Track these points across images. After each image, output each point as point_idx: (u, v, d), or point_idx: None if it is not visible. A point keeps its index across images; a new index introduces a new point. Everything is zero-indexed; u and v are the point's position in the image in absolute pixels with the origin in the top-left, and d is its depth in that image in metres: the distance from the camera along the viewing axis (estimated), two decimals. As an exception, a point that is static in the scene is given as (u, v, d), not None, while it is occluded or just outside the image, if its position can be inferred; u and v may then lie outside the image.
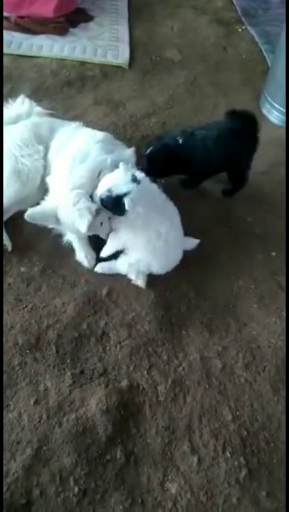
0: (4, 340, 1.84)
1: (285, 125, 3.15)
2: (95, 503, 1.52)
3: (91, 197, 1.86)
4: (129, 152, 2.10)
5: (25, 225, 2.18)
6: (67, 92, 3.09)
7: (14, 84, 2.99)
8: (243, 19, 4.08)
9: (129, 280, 2.10)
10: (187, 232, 2.11)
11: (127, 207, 1.74)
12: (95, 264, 2.11)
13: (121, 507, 1.53)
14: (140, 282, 2.08)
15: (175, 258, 2.07)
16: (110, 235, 2.00)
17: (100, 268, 2.10)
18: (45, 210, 1.94)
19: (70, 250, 2.14)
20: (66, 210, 1.85)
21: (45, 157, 2.16)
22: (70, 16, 3.60)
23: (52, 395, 1.73)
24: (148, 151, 2.22)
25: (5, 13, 3.39)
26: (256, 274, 2.27)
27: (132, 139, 2.78)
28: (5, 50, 3.22)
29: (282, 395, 1.86)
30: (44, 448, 1.60)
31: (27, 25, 3.44)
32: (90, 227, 1.82)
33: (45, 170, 2.15)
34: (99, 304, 2.02)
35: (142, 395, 1.79)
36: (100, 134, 2.17)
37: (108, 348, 1.90)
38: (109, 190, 1.77)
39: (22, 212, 2.17)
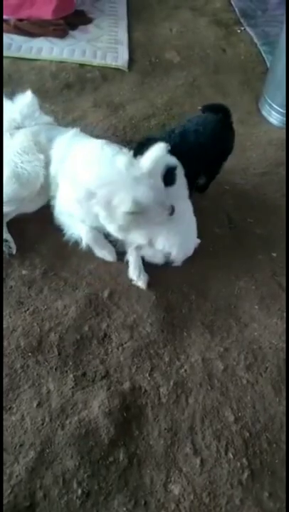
0: (6, 343, 1.85)
1: (284, 126, 3.16)
2: (98, 505, 1.52)
3: None
4: None
5: (26, 228, 2.20)
6: (66, 95, 3.10)
7: (14, 87, 2.98)
8: (241, 20, 4.10)
9: (131, 282, 2.10)
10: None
11: (177, 177, 2.02)
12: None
13: (124, 509, 1.53)
14: (141, 283, 2.09)
15: (193, 241, 2.15)
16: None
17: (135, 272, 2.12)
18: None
19: (72, 253, 2.15)
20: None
21: (46, 166, 2.16)
22: (69, 18, 3.61)
23: (54, 398, 1.73)
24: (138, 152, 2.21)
25: (4, 16, 3.40)
26: (257, 274, 2.28)
27: (132, 141, 2.78)
28: (4, 53, 3.23)
29: (284, 395, 1.87)
30: (47, 450, 1.61)
31: (26, 27, 3.45)
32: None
33: (46, 179, 2.17)
34: (100, 306, 2.03)
35: (144, 397, 1.79)
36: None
37: (110, 350, 1.91)
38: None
39: (23, 215, 2.20)
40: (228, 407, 1.81)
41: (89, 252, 2.16)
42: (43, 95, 3.02)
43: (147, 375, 1.85)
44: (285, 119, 3.14)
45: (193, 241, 2.19)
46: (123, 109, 3.07)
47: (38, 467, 1.57)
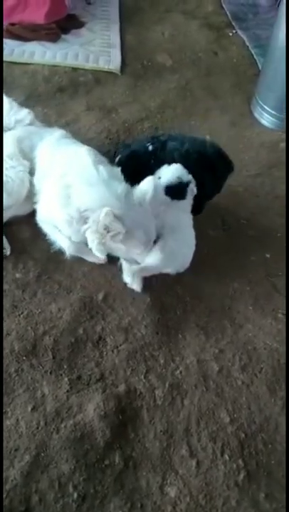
0: (0, 347, 1.84)
1: (276, 127, 3.18)
2: (94, 509, 1.52)
3: None
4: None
5: (19, 231, 2.20)
6: (59, 98, 3.10)
7: (7, 91, 2.97)
8: (233, 23, 4.12)
9: (125, 284, 2.10)
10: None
11: (188, 193, 2.08)
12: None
13: (120, 512, 1.53)
14: (136, 286, 2.08)
15: (191, 254, 2.12)
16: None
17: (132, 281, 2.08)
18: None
19: (66, 256, 2.15)
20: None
21: (30, 171, 2.13)
22: (61, 22, 3.62)
23: (49, 402, 1.73)
24: (116, 159, 2.21)
25: (-4, 21, 3.40)
26: (251, 275, 2.29)
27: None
28: (-3, 57, 3.23)
29: (279, 396, 1.87)
30: (42, 454, 1.60)
31: (18, 32, 3.45)
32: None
33: (33, 185, 2.14)
34: (95, 309, 2.03)
35: (139, 399, 1.79)
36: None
37: (105, 352, 1.90)
38: (179, 178, 2.06)
39: (16, 219, 2.20)
40: (223, 409, 1.81)
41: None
42: (35, 99, 3.04)
43: (142, 377, 1.85)
44: (276, 120, 3.17)
45: (191, 254, 2.13)
46: (116, 112, 3.08)
47: (33, 471, 1.56)
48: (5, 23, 3.43)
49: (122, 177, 1.96)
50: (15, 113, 2.35)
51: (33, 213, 2.19)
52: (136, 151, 2.20)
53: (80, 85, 3.24)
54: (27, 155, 2.16)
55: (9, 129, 2.30)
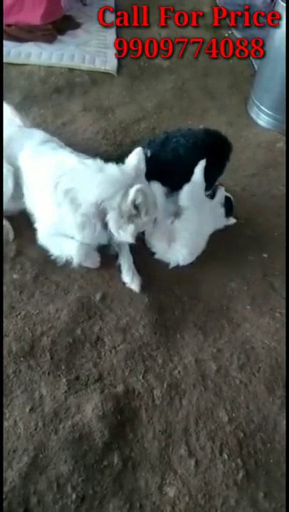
0: (-2, 348, 1.84)
1: (272, 127, 3.19)
2: (93, 510, 1.51)
3: None
4: None
5: (16, 232, 2.19)
6: (56, 99, 3.10)
7: (3, 93, 2.99)
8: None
9: (123, 285, 2.10)
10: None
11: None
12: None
13: (119, 512, 1.52)
14: (135, 286, 2.08)
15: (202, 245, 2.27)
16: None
17: None
18: None
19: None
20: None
21: (15, 175, 2.12)
22: (57, 23, 3.62)
23: (47, 402, 1.72)
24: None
25: (-8, 22, 3.40)
26: (248, 275, 2.29)
27: (122, 145, 2.80)
28: (-7, 58, 3.22)
29: (278, 395, 1.87)
30: (41, 456, 1.59)
31: (15, 33, 3.45)
32: None
33: (17, 188, 2.13)
34: (93, 309, 2.02)
35: (138, 399, 1.79)
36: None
37: (103, 353, 1.90)
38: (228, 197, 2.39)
39: (14, 220, 2.19)
40: (221, 408, 1.81)
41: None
42: (32, 100, 3.04)
43: (141, 377, 1.85)
44: (272, 121, 3.18)
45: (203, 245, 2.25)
46: (112, 112, 3.08)
47: (31, 472, 1.55)
48: (1, 24, 3.43)
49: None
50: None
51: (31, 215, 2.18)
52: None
53: (77, 86, 3.25)
54: (11, 162, 2.12)
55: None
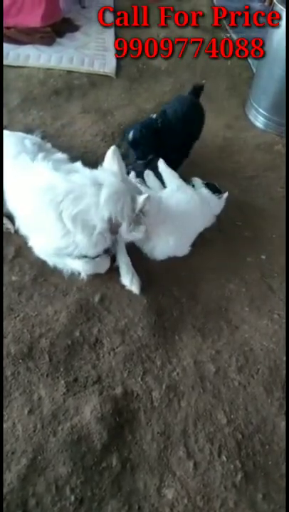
0: (-3, 350, 1.83)
1: (270, 130, 3.20)
2: (91, 512, 1.51)
3: None
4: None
5: (15, 233, 2.19)
6: (55, 101, 3.11)
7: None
8: (226, 26, 4.15)
9: (122, 286, 2.10)
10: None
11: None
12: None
13: (118, 515, 1.52)
14: (134, 288, 2.09)
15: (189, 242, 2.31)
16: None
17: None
18: None
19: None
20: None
21: None
22: (56, 25, 3.64)
23: (46, 404, 1.72)
24: (130, 134, 2.34)
25: (-9, 24, 3.41)
26: (247, 277, 2.29)
27: (120, 147, 2.79)
28: (-8, 61, 3.24)
29: (276, 396, 1.87)
30: (39, 457, 1.59)
31: (13, 35, 3.47)
32: None
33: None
34: (91, 311, 2.02)
35: (136, 401, 1.79)
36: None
37: (102, 355, 1.90)
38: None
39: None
40: (220, 410, 1.81)
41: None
42: (31, 102, 3.05)
43: (139, 379, 1.85)
44: (270, 123, 3.19)
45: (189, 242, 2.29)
46: (111, 114, 3.09)
47: (30, 474, 1.55)
48: None
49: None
50: None
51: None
52: (146, 123, 2.40)
53: (75, 88, 3.25)
54: None
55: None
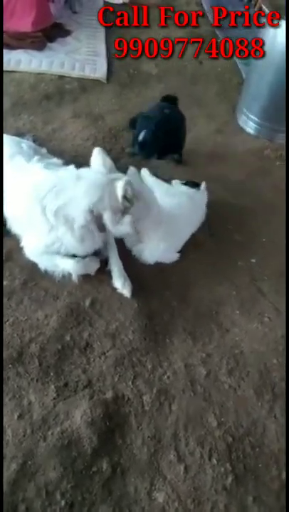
0: (-14, 354, 1.82)
1: (260, 135, 3.23)
2: (82, 517, 1.51)
3: None
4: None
5: (5, 238, 2.19)
6: (46, 106, 3.12)
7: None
8: (217, 32, 4.19)
9: (113, 290, 2.11)
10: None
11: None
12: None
13: (108, 519, 1.51)
14: (126, 292, 2.09)
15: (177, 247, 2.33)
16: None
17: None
18: None
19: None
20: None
21: None
22: (47, 30, 3.65)
23: (36, 409, 1.71)
24: (141, 135, 2.44)
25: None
26: (237, 280, 2.31)
27: (111, 151, 2.81)
28: (-18, 65, 3.24)
29: (266, 399, 1.88)
30: (29, 463, 1.58)
31: (4, 40, 3.47)
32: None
33: None
34: (82, 315, 2.02)
35: (127, 405, 1.79)
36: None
37: (92, 359, 1.90)
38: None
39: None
40: (211, 413, 1.81)
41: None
42: (22, 106, 3.05)
43: (130, 383, 1.85)
44: (260, 128, 3.22)
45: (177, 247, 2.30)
46: (102, 119, 3.11)
47: (20, 480, 1.54)
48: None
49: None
50: None
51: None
52: (166, 116, 2.61)
53: (66, 93, 3.27)
54: None
55: None
